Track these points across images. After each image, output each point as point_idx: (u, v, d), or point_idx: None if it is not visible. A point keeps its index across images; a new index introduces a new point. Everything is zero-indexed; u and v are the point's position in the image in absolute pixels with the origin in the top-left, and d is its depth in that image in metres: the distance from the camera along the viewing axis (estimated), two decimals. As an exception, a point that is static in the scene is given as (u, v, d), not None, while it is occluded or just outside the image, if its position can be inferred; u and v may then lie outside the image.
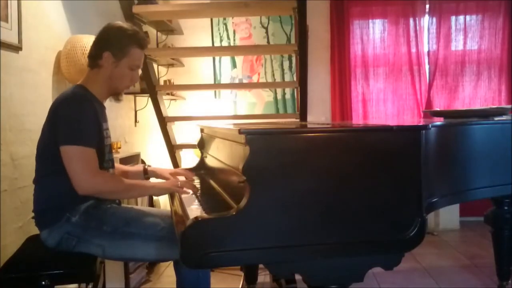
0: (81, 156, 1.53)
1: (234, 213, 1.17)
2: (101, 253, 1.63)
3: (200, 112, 4.05)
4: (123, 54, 1.68)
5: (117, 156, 2.53)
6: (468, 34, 4.24)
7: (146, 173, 1.99)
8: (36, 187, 1.67)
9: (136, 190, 1.72)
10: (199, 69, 4.30)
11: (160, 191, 1.76)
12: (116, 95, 1.81)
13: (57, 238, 1.59)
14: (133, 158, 2.85)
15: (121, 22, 1.77)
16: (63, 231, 1.59)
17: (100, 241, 1.60)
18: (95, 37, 1.74)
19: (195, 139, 2.78)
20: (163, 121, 3.30)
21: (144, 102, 3.61)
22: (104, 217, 1.63)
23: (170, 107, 4.08)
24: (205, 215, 1.24)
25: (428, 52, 4.27)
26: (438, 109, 4.08)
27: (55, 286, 1.54)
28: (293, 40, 4.19)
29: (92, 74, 1.72)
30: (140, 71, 1.80)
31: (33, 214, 1.67)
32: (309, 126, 1.68)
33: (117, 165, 2.01)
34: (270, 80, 4.29)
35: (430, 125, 1.38)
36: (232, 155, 1.49)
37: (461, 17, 4.23)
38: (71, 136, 1.54)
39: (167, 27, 3.80)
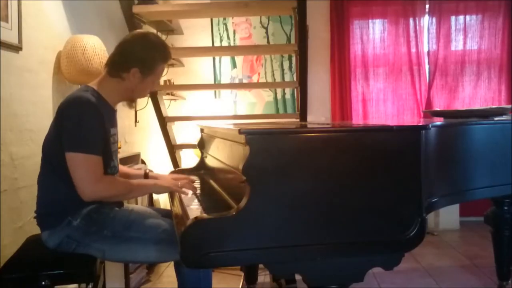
0: (85, 163, 1.52)
1: (234, 213, 1.17)
2: (101, 256, 1.63)
3: (200, 112, 4.05)
4: (151, 72, 1.68)
5: (117, 156, 2.53)
6: (468, 34, 4.24)
7: (147, 178, 1.97)
8: (40, 187, 1.66)
9: (138, 191, 1.73)
10: (199, 69, 4.30)
11: (161, 190, 1.75)
12: (131, 101, 1.84)
13: (57, 240, 1.59)
14: (133, 158, 2.85)
15: (150, 34, 1.74)
16: (63, 234, 1.58)
17: (100, 245, 1.59)
18: (122, 45, 1.68)
19: (195, 139, 2.78)
20: (163, 121, 3.30)
21: (144, 102, 3.61)
22: (105, 221, 1.61)
23: (170, 107, 4.08)
24: (205, 215, 1.24)
25: (428, 52, 4.27)
26: (438, 109, 4.08)
27: (55, 286, 1.54)
28: (293, 40, 4.19)
29: (110, 82, 1.67)
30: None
31: (33, 214, 1.67)
32: (309, 126, 1.68)
33: (121, 167, 2.00)
34: (270, 80, 4.29)
35: (430, 125, 1.38)
36: (232, 155, 1.49)
37: (461, 17, 4.23)
38: (76, 143, 1.52)
39: (167, 27, 3.80)
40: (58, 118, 1.59)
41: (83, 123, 1.54)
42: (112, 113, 1.74)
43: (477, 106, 4.17)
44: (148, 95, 3.30)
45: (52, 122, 1.64)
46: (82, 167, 1.52)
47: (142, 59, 1.65)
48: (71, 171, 1.52)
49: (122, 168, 2.03)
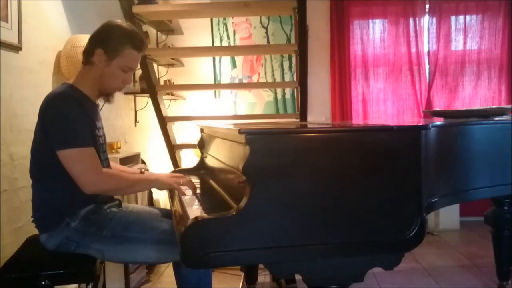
0: (80, 158, 1.51)
1: (234, 213, 1.17)
2: (100, 256, 1.62)
3: (200, 112, 4.05)
4: (117, 53, 1.63)
5: (117, 156, 2.53)
6: (468, 34, 4.24)
7: None
8: (34, 191, 1.64)
9: (139, 185, 1.72)
10: (199, 69, 4.30)
11: (162, 185, 1.72)
12: (106, 96, 1.73)
13: (56, 242, 1.58)
14: (133, 158, 2.85)
15: (121, 21, 1.72)
16: (62, 236, 1.57)
17: (99, 246, 1.59)
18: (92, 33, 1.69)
19: (195, 139, 2.78)
20: (163, 121, 3.30)
21: (144, 102, 3.61)
22: (104, 222, 1.61)
23: (170, 107, 4.08)
24: (205, 215, 1.24)
25: (428, 52, 4.27)
26: (438, 109, 4.08)
27: (55, 286, 1.54)
28: (293, 40, 4.19)
29: (84, 71, 1.68)
30: (132, 73, 1.74)
31: (30, 217, 1.66)
32: (309, 126, 1.68)
33: (115, 165, 1.99)
34: (270, 80, 4.29)
35: (430, 125, 1.38)
36: (232, 155, 1.49)
37: (461, 17, 4.23)
38: (65, 139, 1.51)
39: (167, 27, 3.80)
40: (41, 117, 1.57)
41: (68, 118, 1.52)
42: (94, 106, 1.72)
43: (477, 106, 4.17)
44: (148, 96, 3.31)
45: (36, 125, 1.61)
46: (78, 162, 1.50)
47: (106, 39, 1.63)
48: (67, 169, 1.51)
49: (118, 166, 2.03)
